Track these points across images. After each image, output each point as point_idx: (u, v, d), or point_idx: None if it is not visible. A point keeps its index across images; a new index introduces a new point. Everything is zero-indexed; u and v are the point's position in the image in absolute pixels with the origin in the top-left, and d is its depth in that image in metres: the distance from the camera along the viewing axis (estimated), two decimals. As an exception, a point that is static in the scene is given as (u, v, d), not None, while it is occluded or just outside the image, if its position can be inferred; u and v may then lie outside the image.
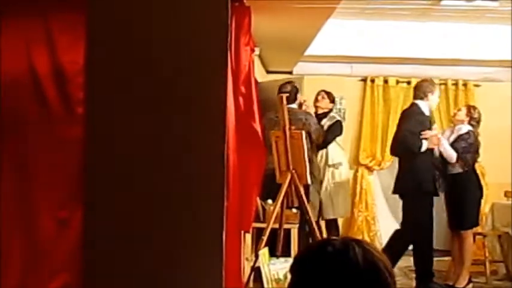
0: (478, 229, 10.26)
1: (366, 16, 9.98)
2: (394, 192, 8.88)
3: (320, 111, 9.74)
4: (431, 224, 8.55)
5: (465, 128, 8.91)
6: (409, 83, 11.32)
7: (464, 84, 11.43)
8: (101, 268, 3.77)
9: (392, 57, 10.96)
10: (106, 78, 3.80)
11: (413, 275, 9.21)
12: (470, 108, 9.11)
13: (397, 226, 11.25)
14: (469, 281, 9.01)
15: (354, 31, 10.59)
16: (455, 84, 11.44)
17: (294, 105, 8.78)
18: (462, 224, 8.95)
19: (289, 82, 8.96)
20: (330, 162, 9.63)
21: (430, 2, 8.99)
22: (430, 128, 8.54)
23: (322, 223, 9.76)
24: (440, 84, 11.39)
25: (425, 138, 8.48)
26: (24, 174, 4.98)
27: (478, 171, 10.12)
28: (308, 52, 9.81)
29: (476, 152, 8.94)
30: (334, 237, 1.98)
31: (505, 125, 10.98)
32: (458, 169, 8.84)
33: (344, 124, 10.22)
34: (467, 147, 8.74)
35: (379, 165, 11.16)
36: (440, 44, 10.72)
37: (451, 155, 8.71)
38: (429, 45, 10.76)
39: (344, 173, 9.74)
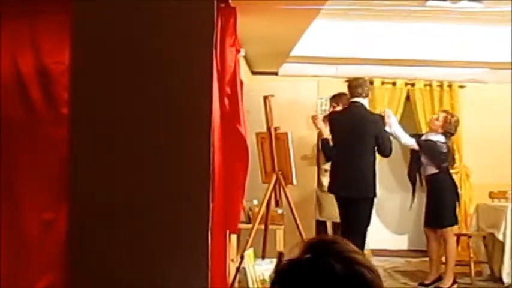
0: (463, 230, 10.36)
1: (351, 17, 9.99)
2: (345, 195, 8.66)
3: None
4: (367, 226, 8.57)
5: (436, 137, 9.22)
6: (394, 84, 11.35)
7: (449, 86, 11.46)
8: (86, 268, 3.76)
9: (377, 58, 10.97)
10: (90, 78, 3.79)
11: (399, 276, 9.26)
12: (446, 119, 9.29)
13: (381, 226, 11.32)
14: (454, 282, 9.06)
15: (339, 32, 10.59)
16: (440, 85, 11.46)
17: None
18: (441, 222, 9.17)
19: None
20: (327, 167, 9.63)
21: (416, 3, 9.01)
22: None
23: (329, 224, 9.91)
24: (425, 85, 11.43)
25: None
26: (10, 174, 4.96)
27: (463, 173, 10.28)
28: (293, 53, 9.81)
29: (444, 160, 9.17)
30: (306, 256, 1.88)
31: (489, 126, 11.02)
32: (432, 170, 9.15)
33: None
34: (431, 153, 9.14)
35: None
36: (426, 45, 10.74)
37: (400, 136, 9.16)
38: (414, 46, 10.78)
39: None
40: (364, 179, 8.42)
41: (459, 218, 10.82)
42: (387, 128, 8.91)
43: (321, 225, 9.83)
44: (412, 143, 9.27)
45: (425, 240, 9.44)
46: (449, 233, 9.16)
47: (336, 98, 9.76)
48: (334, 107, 9.70)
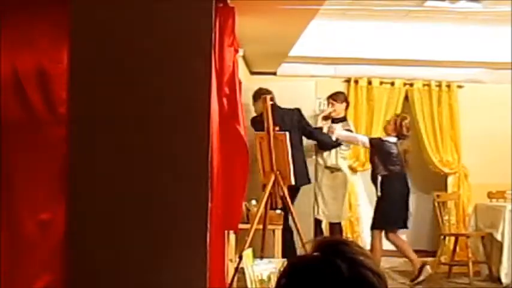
0: (461, 230, 10.39)
1: (350, 17, 9.99)
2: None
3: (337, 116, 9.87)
4: None
5: (386, 138, 9.53)
6: (392, 84, 11.35)
7: (448, 85, 11.46)
8: (84, 268, 3.76)
9: (376, 58, 10.98)
10: (89, 78, 3.78)
11: (397, 276, 9.29)
12: (396, 122, 9.55)
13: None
14: None
15: (338, 32, 10.59)
16: (439, 85, 11.46)
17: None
18: (373, 222, 9.54)
19: None
20: (328, 164, 9.68)
21: (414, 3, 9.01)
22: None
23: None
24: (424, 85, 11.43)
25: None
26: (7, 174, 4.95)
27: (461, 173, 10.32)
28: (292, 53, 9.81)
29: (394, 162, 9.40)
30: (314, 253, 1.90)
31: (487, 126, 11.02)
32: (382, 172, 9.42)
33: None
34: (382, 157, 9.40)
35: (363, 166, 11.14)
36: (424, 45, 10.74)
37: (352, 137, 9.71)
38: (413, 46, 10.78)
39: (340, 179, 9.76)
40: (301, 168, 8.82)
41: (456, 219, 10.89)
42: (333, 137, 9.52)
43: (318, 224, 9.82)
44: (365, 140, 9.68)
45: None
46: (374, 233, 9.45)
47: (333, 96, 9.85)
48: (333, 104, 9.78)
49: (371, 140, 9.61)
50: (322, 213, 9.70)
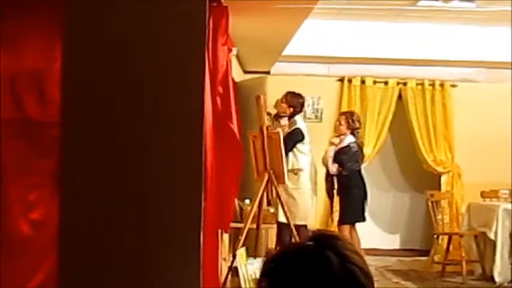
0: (455, 229, 10.41)
1: (343, 16, 10.00)
2: None
3: (281, 113, 9.55)
4: None
5: (347, 140, 9.43)
6: (386, 83, 11.36)
7: (441, 85, 11.47)
8: (77, 268, 3.75)
9: (369, 57, 10.98)
10: (82, 78, 3.78)
11: (390, 275, 9.29)
12: (348, 120, 9.54)
13: (374, 226, 11.36)
14: None
15: (331, 31, 10.60)
16: (432, 84, 11.48)
17: None
18: (340, 218, 9.49)
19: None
20: (289, 167, 9.39)
21: (408, 3, 9.02)
22: None
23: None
24: (417, 84, 11.44)
25: None
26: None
27: (455, 172, 10.30)
28: (285, 52, 9.81)
29: (357, 160, 9.45)
30: (308, 243, 1.89)
31: (480, 126, 11.04)
32: (344, 172, 9.36)
33: (320, 124, 10.32)
34: (347, 158, 9.30)
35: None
36: (418, 44, 10.75)
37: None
38: (406, 45, 10.79)
39: (303, 180, 9.49)
40: None
41: (449, 218, 10.92)
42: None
43: (283, 228, 9.34)
44: (333, 169, 9.51)
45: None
46: (342, 228, 9.36)
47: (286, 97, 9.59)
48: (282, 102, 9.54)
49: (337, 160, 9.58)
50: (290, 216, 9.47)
